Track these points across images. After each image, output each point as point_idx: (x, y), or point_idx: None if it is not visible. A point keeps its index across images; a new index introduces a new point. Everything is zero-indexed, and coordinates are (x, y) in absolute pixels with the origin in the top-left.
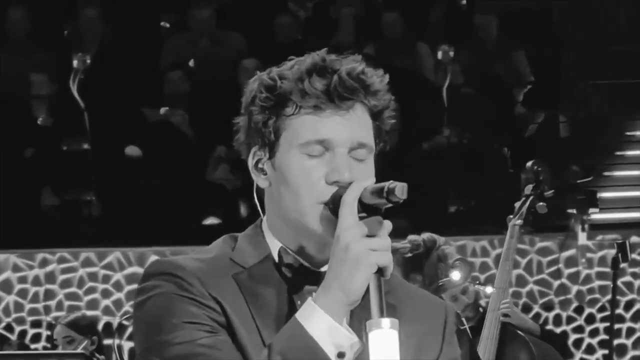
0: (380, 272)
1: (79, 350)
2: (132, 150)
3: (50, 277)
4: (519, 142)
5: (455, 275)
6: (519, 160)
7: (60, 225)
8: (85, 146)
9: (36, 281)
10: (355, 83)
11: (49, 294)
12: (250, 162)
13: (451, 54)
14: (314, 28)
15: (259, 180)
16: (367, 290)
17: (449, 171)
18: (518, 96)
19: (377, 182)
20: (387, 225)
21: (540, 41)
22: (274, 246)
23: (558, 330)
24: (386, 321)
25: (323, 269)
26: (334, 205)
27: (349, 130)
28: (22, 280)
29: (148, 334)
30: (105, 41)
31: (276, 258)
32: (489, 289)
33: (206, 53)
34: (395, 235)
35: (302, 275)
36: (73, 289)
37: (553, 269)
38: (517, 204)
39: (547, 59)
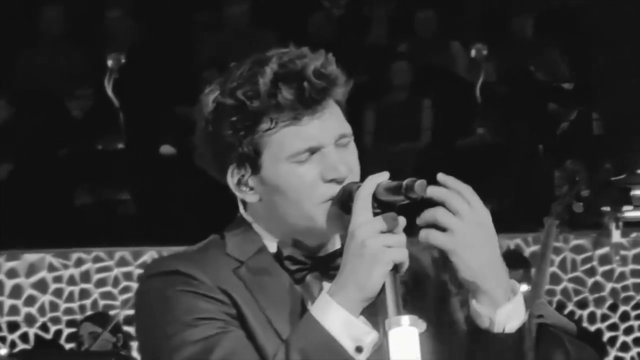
0: (395, 268)
1: (96, 348)
2: (167, 149)
3: (86, 277)
4: (552, 140)
5: None
6: (552, 158)
7: (95, 224)
8: (120, 145)
9: (71, 280)
10: (323, 82)
11: (85, 294)
12: (231, 181)
13: (484, 52)
14: (347, 26)
15: (247, 197)
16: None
17: (482, 169)
18: (551, 94)
19: (391, 179)
20: (402, 221)
21: (573, 38)
22: (268, 241)
23: (592, 328)
24: (405, 318)
25: (321, 254)
26: (343, 200)
27: (330, 128)
28: (58, 279)
29: (159, 335)
30: (137, 40)
31: (273, 251)
32: (523, 287)
33: (239, 51)
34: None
35: (303, 265)
36: (108, 288)
37: (587, 266)
38: (554, 204)
39: (579, 56)
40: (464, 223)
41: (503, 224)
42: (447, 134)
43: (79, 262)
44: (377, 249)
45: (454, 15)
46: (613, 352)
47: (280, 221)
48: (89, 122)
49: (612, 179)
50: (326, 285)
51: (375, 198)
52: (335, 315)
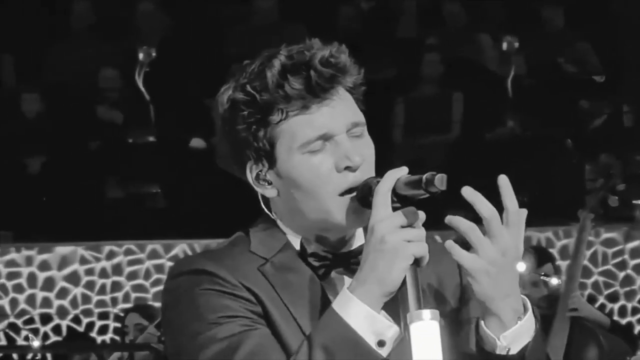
0: (416, 262)
1: (141, 340)
2: (197, 143)
3: (117, 269)
4: (582, 132)
5: (520, 266)
6: (582, 151)
7: (126, 217)
8: (151, 139)
9: (103, 273)
10: (331, 70)
11: (116, 286)
12: (250, 177)
13: (516, 44)
14: (376, 19)
15: (266, 192)
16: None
17: (512, 162)
18: (582, 87)
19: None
20: (422, 215)
21: (604, 30)
22: (292, 237)
23: (623, 321)
24: (427, 313)
25: (344, 250)
26: (362, 195)
27: (341, 115)
28: (89, 272)
29: (185, 334)
30: (167, 34)
31: (297, 247)
32: (554, 281)
33: (268, 44)
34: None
35: (326, 261)
36: (140, 281)
37: (618, 260)
38: (588, 197)
39: (610, 48)
40: (492, 248)
41: (533, 218)
42: (477, 126)
43: (111, 255)
44: (397, 243)
45: (483, 8)
46: None
47: (299, 215)
48: (119, 116)
49: None
50: (349, 281)
51: (394, 192)
52: (357, 310)
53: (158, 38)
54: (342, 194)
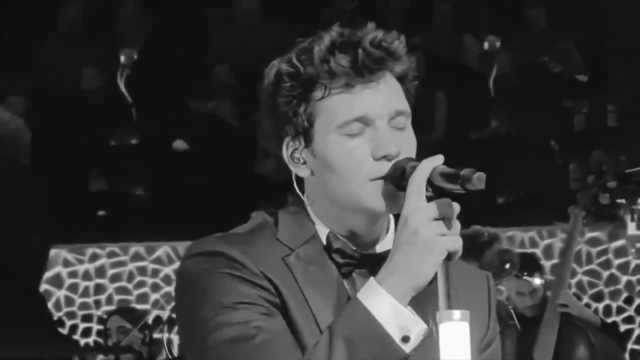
0: (448, 257)
1: (125, 343)
2: (180, 144)
3: (100, 272)
4: (567, 132)
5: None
6: (566, 151)
7: (109, 220)
8: (133, 141)
9: (86, 276)
10: (381, 52)
11: (99, 289)
12: (286, 154)
13: (497, 44)
14: (360, 20)
15: (299, 171)
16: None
17: (496, 162)
18: (565, 86)
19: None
20: (457, 207)
21: (588, 29)
22: (320, 228)
23: (608, 320)
24: (457, 313)
25: (371, 251)
26: (395, 177)
27: (384, 101)
28: (73, 275)
29: (197, 316)
30: (151, 35)
31: (324, 241)
32: (537, 280)
33: (251, 45)
34: None
35: (351, 259)
36: (123, 283)
37: (602, 259)
38: (580, 195)
39: (594, 47)
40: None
41: (517, 217)
42: (461, 126)
43: (94, 258)
44: (430, 237)
45: (467, 7)
46: (629, 345)
47: (330, 200)
48: (101, 118)
49: (627, 171)
50: None
51: (429, 182)
52: (383, 302)
53: (140, 39)
54: (373, 180)
